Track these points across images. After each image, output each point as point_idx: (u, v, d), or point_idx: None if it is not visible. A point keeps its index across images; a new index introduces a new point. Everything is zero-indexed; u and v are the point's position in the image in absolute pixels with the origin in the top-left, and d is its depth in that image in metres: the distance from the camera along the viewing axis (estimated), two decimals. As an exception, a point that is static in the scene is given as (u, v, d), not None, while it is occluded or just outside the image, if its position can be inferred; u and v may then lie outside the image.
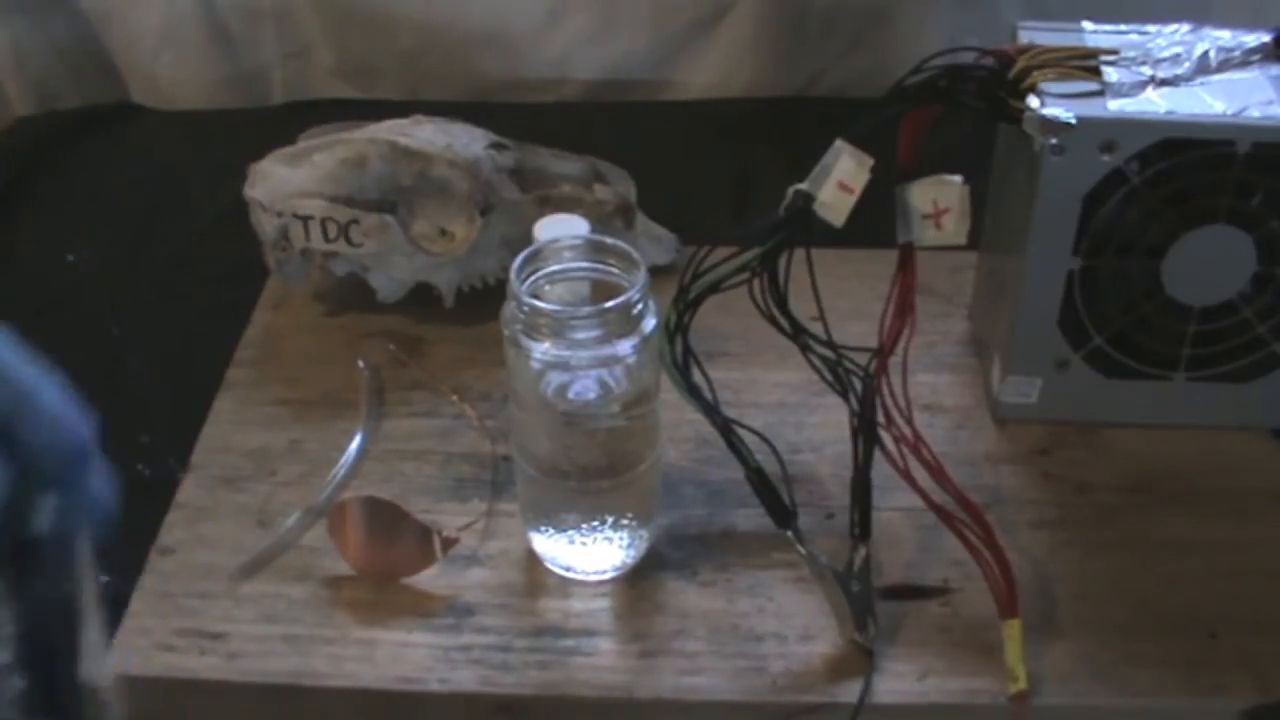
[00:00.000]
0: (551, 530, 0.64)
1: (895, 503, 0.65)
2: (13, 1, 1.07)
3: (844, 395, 0.63)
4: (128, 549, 0.68)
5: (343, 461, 0.71)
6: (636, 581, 0.65)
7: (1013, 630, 0.59)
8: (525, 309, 0.57)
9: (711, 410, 0.62)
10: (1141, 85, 0.64)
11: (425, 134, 0.79)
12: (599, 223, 0.77)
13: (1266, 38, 0.66)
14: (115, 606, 0.64)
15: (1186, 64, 0.65)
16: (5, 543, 0.44)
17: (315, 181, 0.78)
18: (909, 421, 0.62)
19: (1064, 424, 0.73)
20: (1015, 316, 0.70)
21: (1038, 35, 0.67)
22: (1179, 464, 0.71)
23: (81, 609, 0.46)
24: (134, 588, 0.64)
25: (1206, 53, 0.66)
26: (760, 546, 0.66)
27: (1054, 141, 0.63)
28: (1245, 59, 0.66)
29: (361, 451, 0.72)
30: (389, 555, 0.64)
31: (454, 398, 0.76)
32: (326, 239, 0.78)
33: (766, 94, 1.10)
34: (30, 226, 0.98)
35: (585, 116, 1.09)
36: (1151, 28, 0.68)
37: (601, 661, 0.61)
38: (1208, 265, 0.67)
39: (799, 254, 0.61)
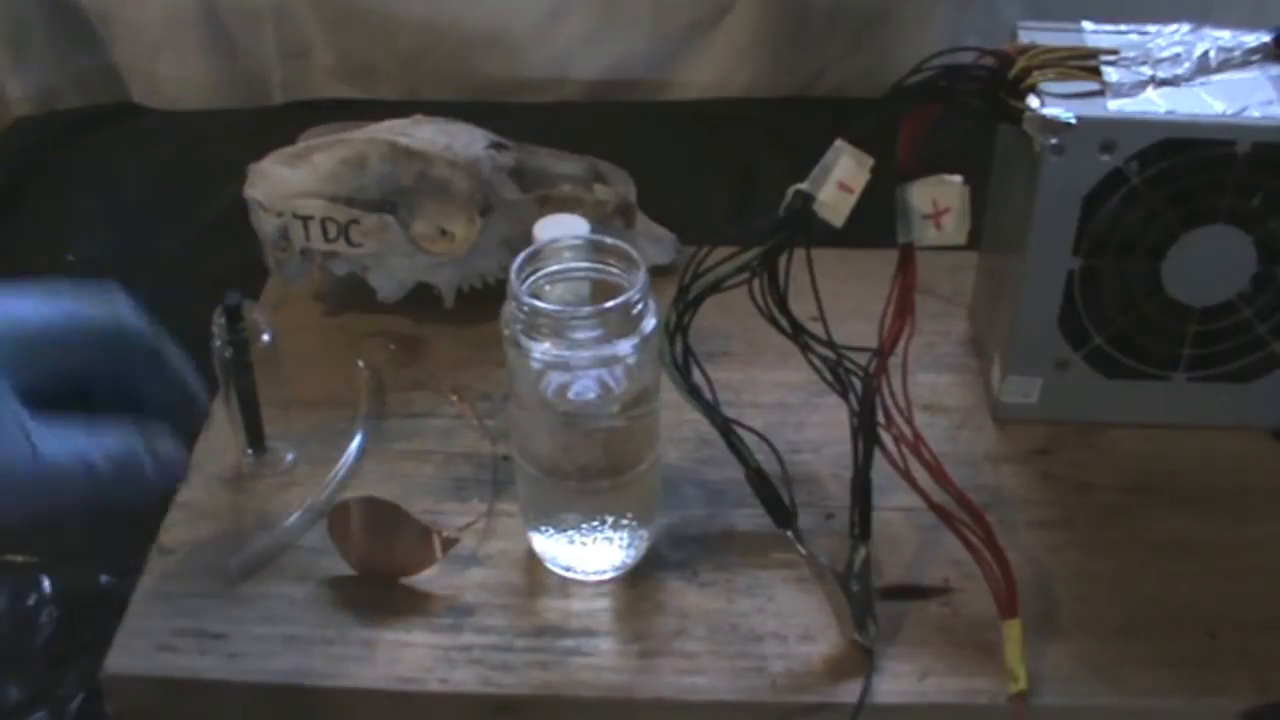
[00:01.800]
0: (551, 530, 0.64)
1: (895, 503, 0.65)
2: (13, 2, 1.07)
3: (844, 395, 0.63)
4: (128, 549, 0.68)
5: (343, 461, 0.71)
6: (636, 581, 0.65)
7: (1013, 630, 0.59)
8: (525, 309, 0.57)
9: (711, 410, 0.62)
10: (1141, 85, 0.64)
11: (425, 134, 0.79)
12: (599, 223, 0.77)
13: (1266, 38, 0.66)
14: (115, 607, 0.64)
15: (1186, 64, 0.65)
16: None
17: (315, 181, 0.78)
18: (909, 421, 0.62)
19: (1064, 424, 0.73)
20: (1015, 316, 0.70)
21: (1038, 35, 0.67)
22: (1179, 464, 0.71)
23: None
24: (134, 588, 0.64)
25: (1206, 53, 0.66)
26: (760, 546, 0.66)
27: (1054, 141, 0.63)
28: (1245, 59, 0.66)
29: (361, 451, 0.72)
30: (389, 555, 0.64)
31: (454, 398, 0.76)
32: (326, 239, 0.78)
33: (766, 94, 1.10)
34: (30, 226, 0.98)
35: (585, 116, 1.09)
36: (1151, 28, 0.68)
37: (601, 661, 0.61)
38: (1208, 265, 0.67)
39: (799, 254, 0.61)
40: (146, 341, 0.55)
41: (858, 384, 0.63)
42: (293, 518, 0.67)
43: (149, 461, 0.53)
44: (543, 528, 0.64)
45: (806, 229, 0.61)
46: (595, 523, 0.63)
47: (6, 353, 0.50)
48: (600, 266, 0.61)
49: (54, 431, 0.50)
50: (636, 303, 0.58)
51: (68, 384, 0.52)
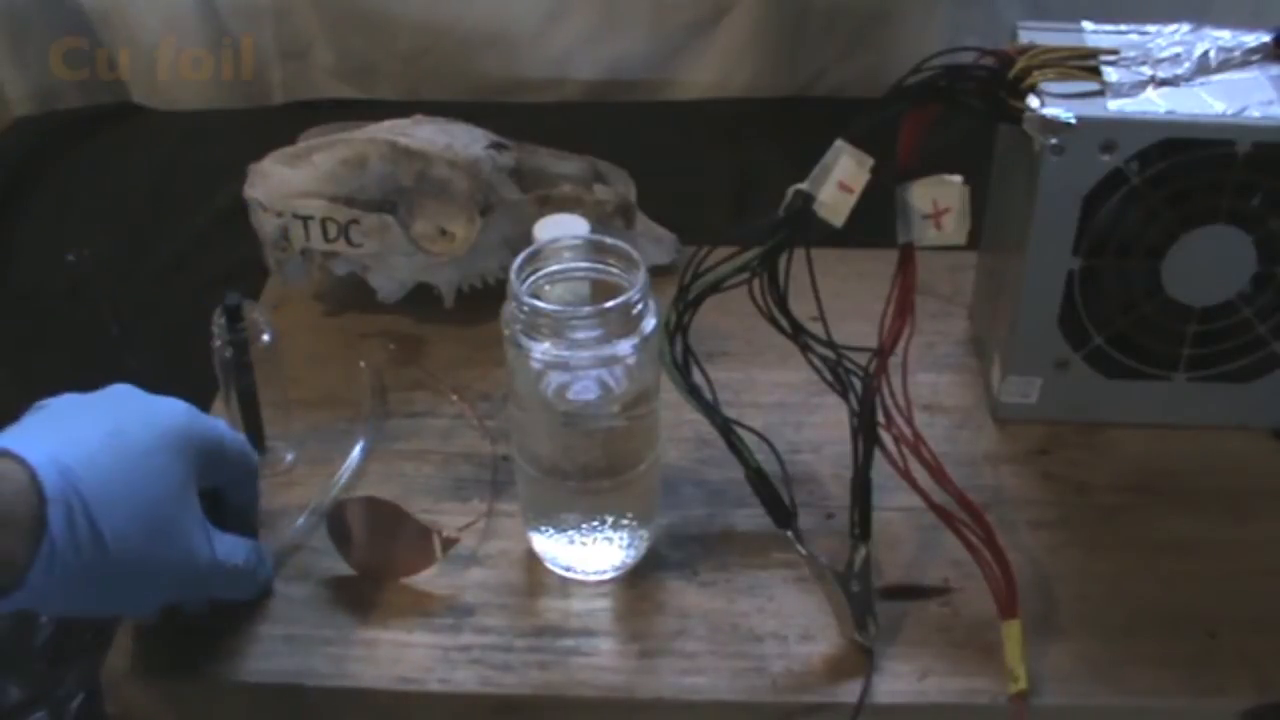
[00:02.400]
0: (551, 530, 0.64)
1: (895, 503, 0.65)
2: (12, 1, 1.07)
3: (844, 395, 0.63)
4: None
5: (346, 465, 0.70)
6: (636, 581, 0.65)
7: (1013, 630, 0.59)
8: (525, 309, 0.57)
9: (711, 410, 0.62)
10: (1141, 85, 0.64)
11: (425, 134, 0.79)
12: (599, 223, 0.77)
13: (1266, 38, 0.66)
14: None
15: (1186, 64, 0.65)
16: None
17: (315, 181, 0.78)
18: (909, 421, 0.62)
19: (1064, 424, 0.73)
20: (1015, 316, 0.70)
21: (1038, 35, 0.67)
22: (1179, 464, 0.71)
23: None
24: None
25: (1206, 53, 0.66)
26: (760, 546, 0.66)
27: (1054, 141, 0.63)
28: (1245, 59, 0.66)
29: (365, 455, 0.72)
30: (389, 555, 0.64)
31: (454, 398, 0.76)
32: (326, 239, 0.78)
33: (766, 94, 1.10)
34: (30, 226, 0.98)
35: (585, 116, 1.09)
36: (1151, 28, 0.68)
37: (601, 661, 0.61)
38: (1208, 265, 0.67)
39: (799, 254, 0.61)
40: (255, 474, 0.65)
41: (858, 384, 0.63)
42: (299, 520, 0.67)
43: (260, 568, 0.63)
44: (543, 528, 0.64)
45: (806, 229, 0.61)
46: (595, 523, 0.63)
47: (193, 460, 0.58)
48: (600, 266, 0.61)
49: (216, 535, 0.59)
50: (636, 303, 0.58)
51: (208, 493, 0.60)
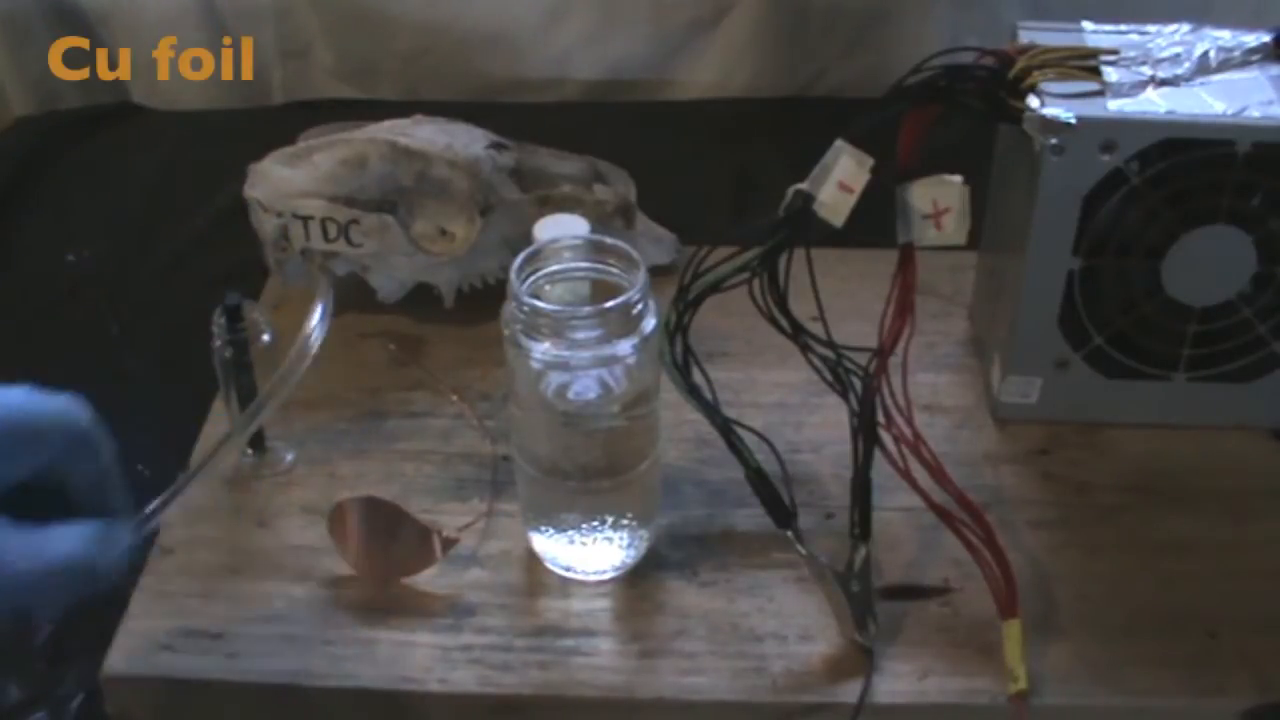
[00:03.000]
0: (551, 530, 0.64)
1: (895, 503, 0.65)
2: (13, 1, 1.07)
3: (844, 395, 0.63)
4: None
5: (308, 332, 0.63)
6: (636, 581, 0.65)
7: (1013, 630, 0.59)
8: (525, 309, 0.57)
9: (711, 410, 0.62)
10: (1141, 85, 0.64)
11: (425, 134, 0.79)
12: (599, 223, 0.77)
13: (1266, 38, 0.67)
14: (115, 606, 0.64)
15: (1186, 64, 0.65)
16: None
17: (315, 181, 0.78)
18: (909, 421, 0.62)
19: (1064, 424, 0.73)
20: (1015, 316, 0.70)
21: (1038, 35, 0.67)
22: (1179, 464, 0.71)
23: None
24: (134, 588, 0.64)
25: (1206, 53, 0.66)
26: (760, 546, 0.66)
27: (1054, 141, 0.63)
28: (1245, 59, 0.66)
29: (325, 324, 0.64)
30: (389, 555, 0.64)
31: (454, 398, 0.76)
32: (326, 239, 0.78)
33: (766, 94, 1.10)
34: (30, 226, 0.98)
35: (585, 116, 1.09)
36: (1151, 28, 0.68)
37: (601, 661, 0.61)
38: (1208, 265, 0.67)
39: (799, 254, 0.61)
40: (92, 441, 0.52)
41: (858, 384, 0.63)
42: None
43: (99, 560, 0.50)
44: (543, 528, 0.64)
45: (806, 229, 0.61)
46: (595, 523, 0.63)
47: None
48: (600, 266, 0.61)
49: (17, 537, 0.48)
50: (636, 303, 0.58)
51: (16, 485, 0.50)
